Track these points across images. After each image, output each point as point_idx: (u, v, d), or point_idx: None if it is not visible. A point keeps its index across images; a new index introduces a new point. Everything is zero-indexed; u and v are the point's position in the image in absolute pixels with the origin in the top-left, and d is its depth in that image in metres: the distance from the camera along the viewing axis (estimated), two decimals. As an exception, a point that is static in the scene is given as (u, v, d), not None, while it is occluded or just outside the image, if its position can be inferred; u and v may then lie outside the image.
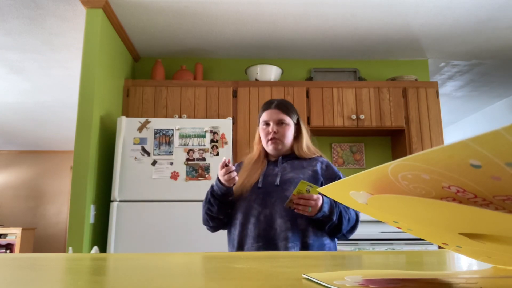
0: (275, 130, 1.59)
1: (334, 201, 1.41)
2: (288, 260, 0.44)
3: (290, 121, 1.62)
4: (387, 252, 0.65)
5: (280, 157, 1.62)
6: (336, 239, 1.57)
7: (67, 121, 5.39)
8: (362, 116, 3.20)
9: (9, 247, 6.38)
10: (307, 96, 3.23)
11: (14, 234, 6.32)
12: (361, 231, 2.85)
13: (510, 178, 0.21)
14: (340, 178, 1.54)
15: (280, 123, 1.60)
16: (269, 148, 1.61)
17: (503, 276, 0.32)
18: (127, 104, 3.16)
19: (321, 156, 1.65)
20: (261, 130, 1.65)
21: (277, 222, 1.45)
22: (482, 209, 0.24)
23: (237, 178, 1.47)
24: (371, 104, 3.25)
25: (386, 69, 3.65)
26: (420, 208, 0.28)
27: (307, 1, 2.74)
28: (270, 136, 1.59)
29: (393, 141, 3.53)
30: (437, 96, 3.29)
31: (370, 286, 0.25)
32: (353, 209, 1.49)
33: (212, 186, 1.57)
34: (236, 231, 1.51)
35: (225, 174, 1.45)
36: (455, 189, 0.24)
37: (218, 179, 1.51)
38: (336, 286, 0.25)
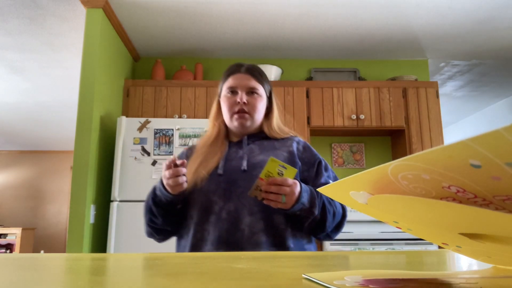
0: (244, 100, 1.22)
1: (315, 190, 1.10)
2: (288, 260, 0.44)
3: (263, 92, 1.28)
4: (387, 252, 0.65)
5: (246, 136, 1.27)
6: (314, 242, 1.24)
7: (67, 121, 5.40)
8: (362, 116, 3.20)
9: (9, 247, 6.38)
10: (307, 96, 3.24)
11: (14, 234, 6.32)
12: (361, 231, 2.86)
13: (510, 178, 0.21)
14: (321, 162, 1.24)
15: (251, 92, 1.25)
16: (234, 124, 1.24)
17: (503, 276, 0.32)
18: (127, 104, 3.16)
19: (296, 136, 1.32)
20: (224, 100, 1.27)
21: (245, 220, 1.09)
22: (482, 209, 0.24)
23: (185, 184, 1.10)
24: (371, 104, 3.25)
25: (386, 69, 3.65)
26: (420, 208, 0.28)
27: (307, 1, 2.74)
28: (237, 108, 1.23)
29: (393, 141, 3.53)
30: (437, 96, 3.29)
31: (370, 286, 0.25)
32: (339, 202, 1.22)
33: (154, 190, 1.20)
34: (189, 234, 1.15)
35: (170, 177, 1.07)
36: (455, 189, 0.24)
37: (162, 182, 1.14)
38: (336, 286, 0.25)
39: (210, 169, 1.18)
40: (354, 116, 3.20)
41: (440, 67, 3.79)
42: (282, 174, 1.03)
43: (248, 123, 1.24)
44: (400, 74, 3.59)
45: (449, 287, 0.27)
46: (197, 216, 1.15)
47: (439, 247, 0.36)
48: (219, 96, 1.32)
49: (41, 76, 3.93)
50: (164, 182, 1.10)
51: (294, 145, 1.25)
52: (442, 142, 3.29)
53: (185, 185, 1.10)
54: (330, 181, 1.20)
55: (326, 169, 1.24)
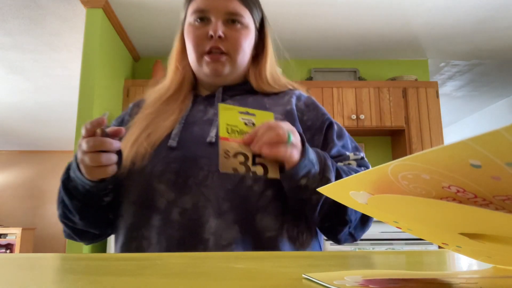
0: (220, 33, 0.79)
1: (324, 154, 0.72)
2: (288, 260, 0.44)
3: (250, 21, 0.85)
4: (387, 252, 0.65)
5: (221, 87, 0.84)
6: (320, 246, 0.81)
7: (67, 121, 5.40)
8: (362, 116, 3.20)
9: (9, 247, 6.38)
10: (307, 96, 3.24)
11: (14, 234, 6.32)
12: (361, 231, 2.85)
13: (510, 178, 0.21)
14: (332, 125, 0.83)
15: (231, 20, 0.81)
16: (203, 70, 0.82)
17: (503, 276, 0.32)
18: (127, 104, 3.16)
19: (296, 89, 0.90)
20: (189, 32, 0.83)
21: (209, 225, 0.68)
22: (482, 209, 0.24)
23: (113, 169, 0.67)
24: (371, 104, 3.25)
25: (386, 69, 3.65)
26: (420, 208, 0.28)
27: (307, 1, 2.74)
28: (208, 46, 0.79)
29: (393, 141, 3.53)
30: (437, 96, 3.29)
31: (370, 286, 0.25)
32: None
33: (67, 171, 0.75)
34: (119, 241, 0.78)
35: (89, 150, 0.64)
36: (455, 189, 0.25)
37: (76, 161, 0.70)
38: (336, 286, 0.25)
39: (158, 139, 0.75)
40: (354, 116, 3.21)
41: (440, 67, 3.79)
42: (253, 125, 0.64)
43: (226, 69, 0.81)
44: (400, 74, 3.59)
45: (449, 287, 0.27)
46: (131, 216, 0.73)
47: (439, 247, 0.36)
48: (182, 27, 0.87)
49: (41, 76, 3.93)
50: (78, 158, 0.67)
51: (293, 101, 0.83)
52: (442, 142, 3.29)
53: (113, 170, 0.67)
54: (347, 153, 0.79)
55: (340, 136, 0.82)
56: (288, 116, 0.80)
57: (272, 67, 0.90)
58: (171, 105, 0.82)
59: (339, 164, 0.77)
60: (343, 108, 3.23)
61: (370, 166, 0.78)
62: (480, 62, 3.70)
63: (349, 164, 0.78)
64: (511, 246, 0.28)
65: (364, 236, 2.77)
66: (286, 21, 2.99)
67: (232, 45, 0.81)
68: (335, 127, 0.83)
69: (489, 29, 3.11)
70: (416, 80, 3.37)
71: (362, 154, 0.82)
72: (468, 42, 3.31)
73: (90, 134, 0.65)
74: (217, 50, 0.81)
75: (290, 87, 0.90)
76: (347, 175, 0.71)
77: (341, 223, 0.73)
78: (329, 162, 0.70)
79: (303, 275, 0.30)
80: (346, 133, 0.85)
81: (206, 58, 0.81)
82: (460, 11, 2.86)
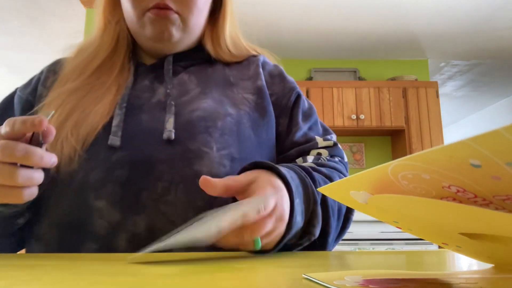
0: None
1: (310, 178, 0.54)
2: (288, 260, 0.44)
3: None
4: (387, 252, 0.65)
5: (171, 56, 0.65)
6: None
7: (67, 121, 5.40)
8: (362, 116, 3.20)
9: (9, 247, 6.39)
10: (307, 96, 3.24)
11: (14, 234, 6.32)
12: (361, 231, 2.86)
13: (510, 178, 0.21)
14: (298, 102, 0.68)
15: None
16: (146, 30, 0.62)
17: (503, 276, 0.32)
18: (127, 104, 3.16)
19: (260, 54, 0.74)
20: None
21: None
22: (482, 209, 0.24)
23: (33, 193, 0.45)
24: (371, 104, 3.25)
25: (386, 69, 3.65)
26: (420, 208, 0.28)
27: (307, 1, 2.74)
28: (153, 2, 0.60)
29: (393, 141, 3.54)
30: (437, 96, 3.30)
31: (370, 286, 0.25)
32: None
33: None
34: None
35: (4, 158, 0.42)
36: (455, 189, 0.25)
37: None
38: (336, 286, 0.25)
39: (91, 132, 0.54)
40: (354, 116, 3.21)
41: (440, 67, 3.79)
42: None
43: (176, 34, 0.62)
44: (400, 74, 3.59)
45: (449, 287, 0.27)
46: (56, 243, 0.52)
47: (439, 247, 0.36)
48: None
49: (41, 76, 3.94)
50: None
51: (260, 72, 0.68)
52: (442, 142, 3.29)
53: (31, 195, 0.45)
54: (316, 137, 0.66)
55: (308, 117, 0.69)
56: (259, 95, 0.65)
57: (232, 28, 0.72)
58: (103, 78, 0.60)
59: (316, 172, 0.59)
60: (343, 108, 3.23)
61: (344, 155, 0.70)
62: (480, 62, 3.70)
63: (319, 153, 0.65)
64: (511, 246, 0.28)
65: (364, 236, 2.77)
66: (286, 21, 2.99)
67: (185, 3, 0.60)
68: (302, 104, 0.69)
69: (489, 29, 3.11)
70: (416, 80, 3.37)
71: (334, 139, 0.68)
72: (468, 42, 3.31)
73: (14, 136, 0.43)
74: (165, 7, 0.60)
75: (253, 52, 0.74)
76: (334, 201, 0.58)
77: (320, 249, 0.61)
78: (317, 207, 0.53)
79: (303, 275, 0.30)
80: (314, 109, 0.71)
81: (150, 15, 0.60)
82: (460, 11, 2.86)
